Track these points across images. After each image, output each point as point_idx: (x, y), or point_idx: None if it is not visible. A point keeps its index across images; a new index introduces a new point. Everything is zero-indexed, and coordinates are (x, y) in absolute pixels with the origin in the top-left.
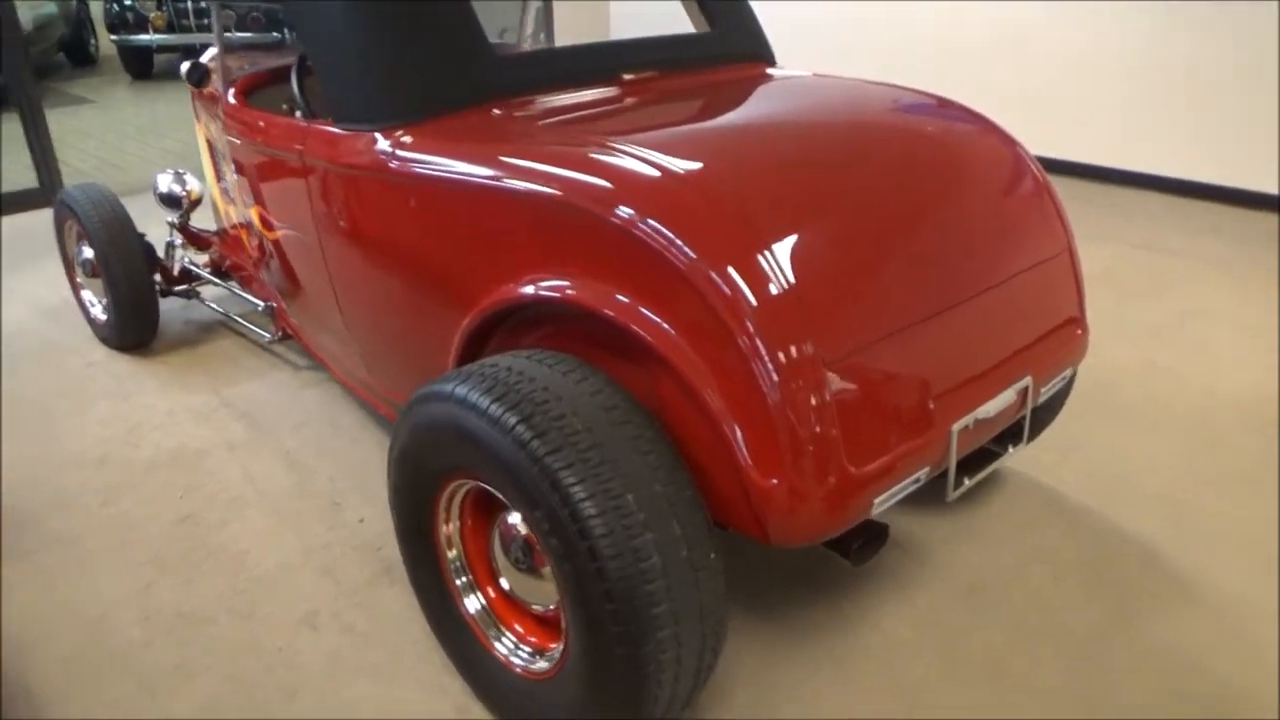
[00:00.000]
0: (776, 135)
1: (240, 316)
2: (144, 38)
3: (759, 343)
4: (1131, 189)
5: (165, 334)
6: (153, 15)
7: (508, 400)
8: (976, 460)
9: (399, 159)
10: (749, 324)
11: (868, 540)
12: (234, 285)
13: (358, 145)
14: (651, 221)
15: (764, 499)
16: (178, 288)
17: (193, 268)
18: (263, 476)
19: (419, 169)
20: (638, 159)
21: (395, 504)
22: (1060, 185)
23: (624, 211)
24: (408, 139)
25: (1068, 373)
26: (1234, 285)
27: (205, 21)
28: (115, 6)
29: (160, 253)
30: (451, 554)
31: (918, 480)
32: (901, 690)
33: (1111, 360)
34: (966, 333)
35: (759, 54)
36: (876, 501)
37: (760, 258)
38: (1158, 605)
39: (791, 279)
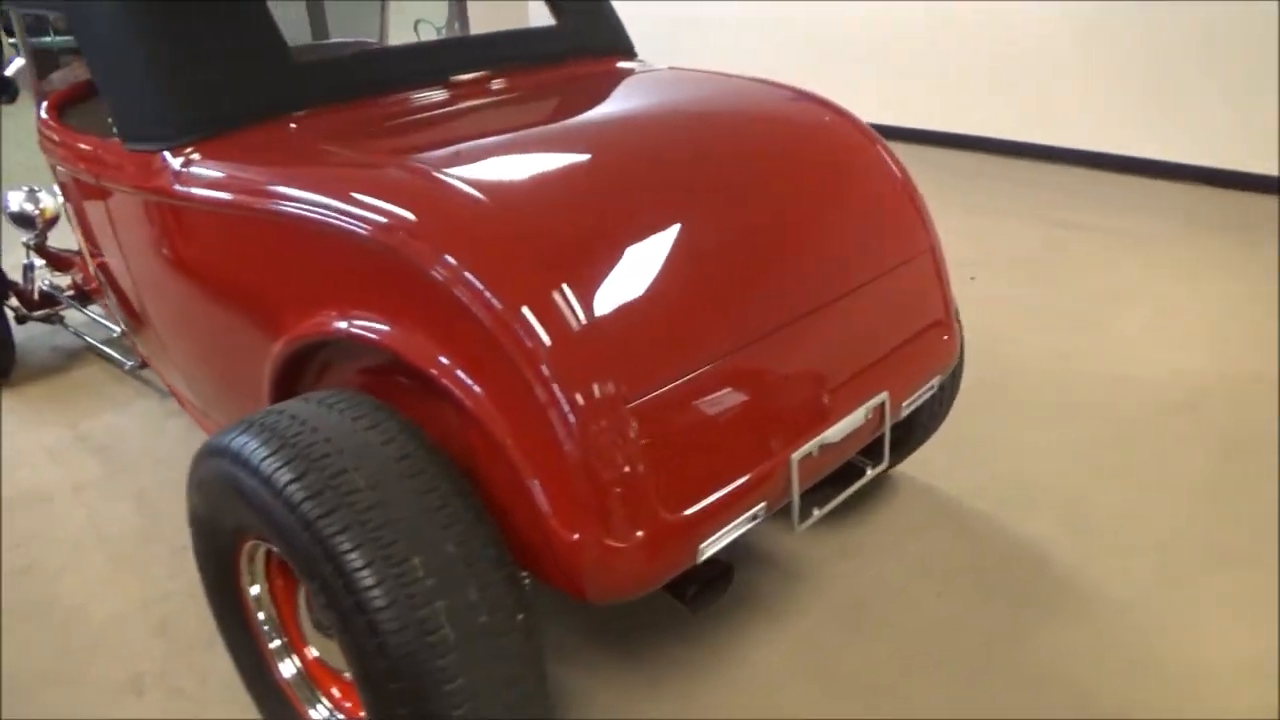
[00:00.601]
0: (601, 145)
1: (103, 343)
2: None
3: (554, 386)
4: (1046, 163)
5: (26, 363)
6: None
7: (282, 455)
8: (843, 479)
9: (186, 182)
10: (543, 367)
11: (707, 583)
12: (95, 309)
13: (145, 167)
14: (445, 258)
15: (569, 554)
16: (37, 313)
17: (55, 292)
18: (110, 519)
19: (206, 193)
20: (436, 182)
21: (199, 564)
22: (963, 160)
23: (414, 246)
24: (196, 157)
25: (935, 382)
26: (1148, 263)
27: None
28: None
29: (20, 276)
30: (262, 616)
31: (755, 517)
32: None
33: (1018, 348)
34: (806, 351)
35: (613, 47)
36: (703, 546)
37: (558, 294)
38: (1047, 617)
39: (593, 314)
